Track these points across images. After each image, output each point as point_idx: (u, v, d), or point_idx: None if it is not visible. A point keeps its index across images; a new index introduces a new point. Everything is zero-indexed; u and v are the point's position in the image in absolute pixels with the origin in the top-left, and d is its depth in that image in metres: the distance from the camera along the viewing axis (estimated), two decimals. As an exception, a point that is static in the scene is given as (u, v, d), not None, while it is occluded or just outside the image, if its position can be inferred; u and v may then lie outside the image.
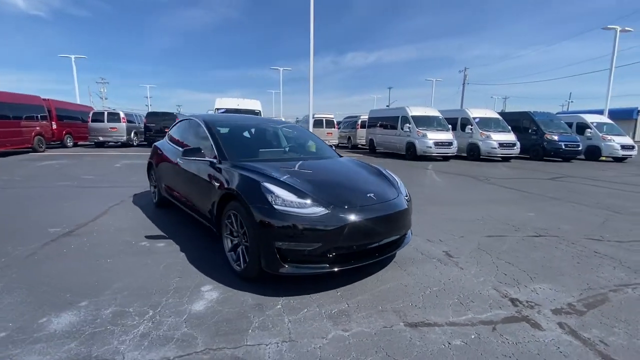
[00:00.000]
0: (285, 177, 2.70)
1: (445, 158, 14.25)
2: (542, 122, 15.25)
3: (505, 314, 2.22)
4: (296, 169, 3.09)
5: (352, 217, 2.36)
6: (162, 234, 3.77)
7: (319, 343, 1.87)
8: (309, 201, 2.41)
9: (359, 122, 20.27)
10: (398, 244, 2.80)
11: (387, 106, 56.18)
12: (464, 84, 40.79)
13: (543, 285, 2.65)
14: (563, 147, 14.21)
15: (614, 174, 10.27)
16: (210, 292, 2.43)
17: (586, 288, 2.63)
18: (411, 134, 14.00)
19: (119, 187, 6.54)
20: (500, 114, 16.17)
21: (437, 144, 13.37)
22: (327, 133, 18.53)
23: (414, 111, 14.57)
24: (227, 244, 2.82)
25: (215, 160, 3.18)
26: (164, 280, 2.60)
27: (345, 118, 23.93)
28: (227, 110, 13.56)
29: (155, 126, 17.91)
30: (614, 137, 15.14)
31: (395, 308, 2.27)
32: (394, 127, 15.28)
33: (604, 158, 15.29)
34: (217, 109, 13.62)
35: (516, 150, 14.04)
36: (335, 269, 2.34)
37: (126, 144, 17.77)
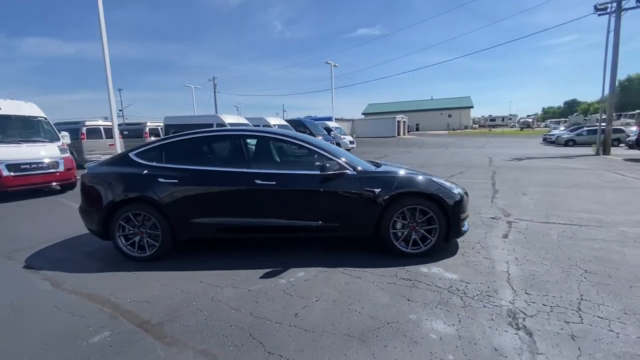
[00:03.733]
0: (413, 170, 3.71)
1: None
2: (312, 126, 20.55)
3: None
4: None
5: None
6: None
7: (515, 255, 3.39)
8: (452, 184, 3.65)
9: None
10: None
11: (121, 110, 48.53)
12: (214, 91, 43.56)
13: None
14: (328, 144, 20.21)
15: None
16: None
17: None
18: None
19: None
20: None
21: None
22: (110, 145, 14.86)
23: (229, 119, 15.20)
24: (404, 233, 3.40)
25: (355, 172, 3.41)
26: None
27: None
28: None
29: None
30: (345, 136, 23.13)
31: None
32: (208, 135, 15.13)
33: (342, 150, 23.22)
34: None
35: None
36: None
37: None
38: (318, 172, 3.37)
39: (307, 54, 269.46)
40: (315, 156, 3.62)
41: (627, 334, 2.07)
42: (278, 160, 3.84)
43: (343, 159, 3.50)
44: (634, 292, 2.60)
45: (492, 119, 71.67)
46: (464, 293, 2.66)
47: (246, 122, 16.14)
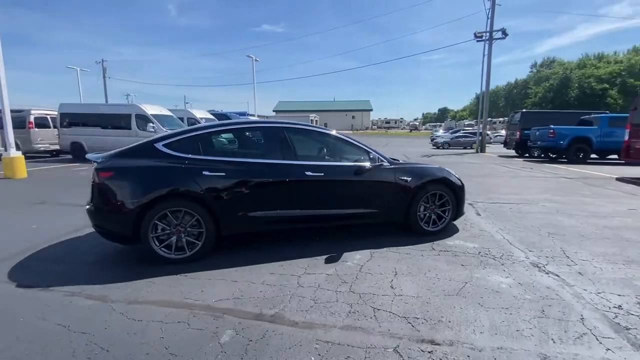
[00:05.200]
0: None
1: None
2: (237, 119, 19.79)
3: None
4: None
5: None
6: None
7: (498, 227, 4.40)
8: None
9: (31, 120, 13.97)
10: None
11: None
12: (104, 76, 37.03)
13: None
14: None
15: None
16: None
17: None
18: (157, 134, 13.02)
19: None
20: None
21: (190, 143, 13.69)
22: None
23: (151, 109, 13.45)
24: (426, 215, 3.99)
25: (388, 163, 3.83)
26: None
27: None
28: None
29: None
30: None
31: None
32: (124, 127, 13.11)
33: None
34: None
35: None
36: None
37: None
38: (361, 164, 3.69)
39: (209, 44, 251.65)
40: (352, 148, 3.90)
41: (602, 267, 3.12)
42: (322, 152, 3.97)
43: (375, 152, 3.90)
44: (586, 243, 3.80)
45: (387, 122, 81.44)
46: (492, 256, 3.42)
47: (170, 113, 14.58)
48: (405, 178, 3.84)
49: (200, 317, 2.32)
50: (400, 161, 4.17)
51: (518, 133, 16.69)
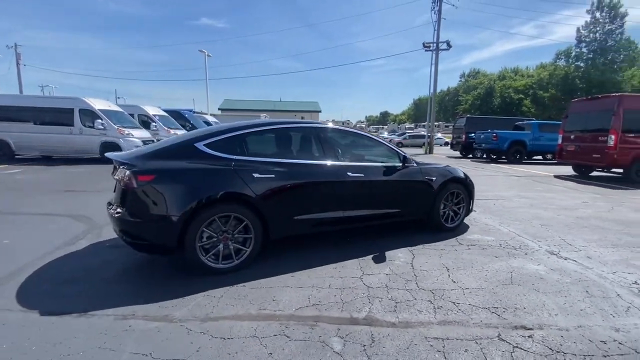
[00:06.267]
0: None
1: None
2: (193, 119, 18.54)
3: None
4: None
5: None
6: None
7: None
8: None
9: None
10: None
11: None
12: (18, 64, 31.65)
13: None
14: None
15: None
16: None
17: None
18: (107, 132, 11.62)
19: None
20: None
21: (146, 142, 12.47)
22: None
23: (98, 104, 11.93)
24: (445, 212, 4.25)
25: (415, 164, 4.00)
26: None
27: None
28: None
29: None
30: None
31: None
32: (64, 124, 11.44)
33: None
34: None
35: None
36: None
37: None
38: (394, 164, 3.81)
39: (143, 35, 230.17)
40: (383, 149, 3.99)
41: (600, 252, 3.69)
42: (358, 153, 3.96)
43: (403, 153, 4.05)
44: (574, 232, 4.43)
45: (335, 123, 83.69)
46: (512, 247, 3.80)
47: (119, 109, 13.11)
48: (431, 177, 4.06)
49: (294, 327, 2.19)
50: (424, 162, 4.40)
51: (464, 136, 18.53)
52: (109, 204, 3.09)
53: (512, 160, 15.06)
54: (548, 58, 64.00)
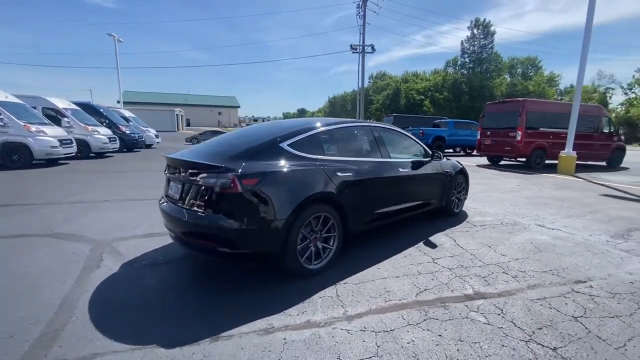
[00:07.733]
0: None
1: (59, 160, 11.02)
2: (109, 113, 15.94)
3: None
4: None
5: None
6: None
7: (479, 204, 5.84)
8: None
9: None
10: None
11: None
12: None
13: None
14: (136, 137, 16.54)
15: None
16: (476, 218, 4.91)
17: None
18: (10, 129, 9.20)
19: None
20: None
21: (63, 142, 10.28)
22: None
23: (-6, 94, 9.31)
24: (453, 200, 4.86)
25: (439, 158, 4.49)
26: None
27: None
28: None
29: None
30: (147, 128, 19.63)
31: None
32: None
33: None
34: None
35: (74, 148, 11.07)
36: None
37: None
38: (426, 158, 4.25)
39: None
40: (415, 145, 4.37)
41: (566, 222, 4.82)
42: (400, 149, 4.18)
43: (427, 148, 4.52)
44: (537, 208, 5.60)
45: (255, 119, 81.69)
46: (511, 224, 4.64)
47: (18, 100, 10.49)
48: (448, 170, 4.63)
49: (432, 311, 2.39)
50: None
51: (392, 132, 20.56)
52: (179, 208, 2.69)
53: (435, 153, 17.44)
54: (438, 64, 74.82)
